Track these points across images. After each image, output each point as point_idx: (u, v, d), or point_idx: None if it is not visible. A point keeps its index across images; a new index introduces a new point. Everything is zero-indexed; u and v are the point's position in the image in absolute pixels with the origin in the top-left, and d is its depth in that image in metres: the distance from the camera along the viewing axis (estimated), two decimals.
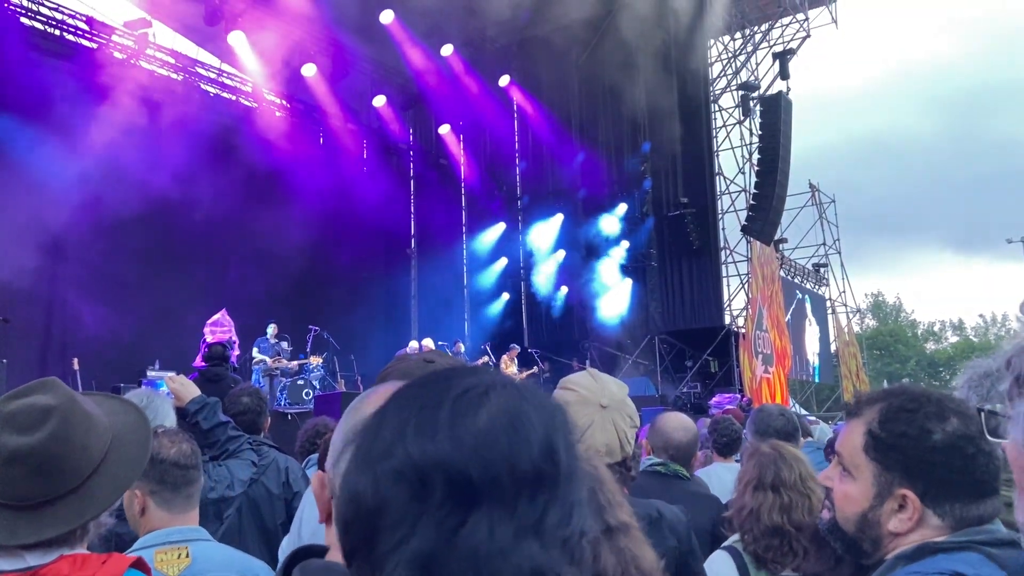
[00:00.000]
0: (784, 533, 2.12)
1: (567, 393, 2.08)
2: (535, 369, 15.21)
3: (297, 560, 1.04)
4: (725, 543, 2.29)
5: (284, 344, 12.05)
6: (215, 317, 11.60)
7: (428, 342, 13.97)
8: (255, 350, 11.66)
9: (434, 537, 0.65)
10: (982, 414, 1.01)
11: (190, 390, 2.79)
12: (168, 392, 2.85)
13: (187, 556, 1.90)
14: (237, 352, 11.65)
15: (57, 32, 12.79)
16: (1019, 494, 0.90)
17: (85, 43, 13.02)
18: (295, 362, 12.00)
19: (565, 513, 0.69)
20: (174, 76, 14.24)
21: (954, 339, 50.18)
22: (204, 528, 2.08)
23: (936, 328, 51.38)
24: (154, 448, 1.95)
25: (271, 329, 11.83)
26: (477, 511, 0.66)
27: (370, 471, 0.68)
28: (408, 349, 13.27)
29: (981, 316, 52.11)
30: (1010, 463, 0.92)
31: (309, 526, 1.90)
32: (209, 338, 11.00)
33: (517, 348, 15.22)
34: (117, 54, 13.19)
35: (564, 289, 18.67)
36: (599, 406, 1.98)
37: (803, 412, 14.10)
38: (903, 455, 1.25)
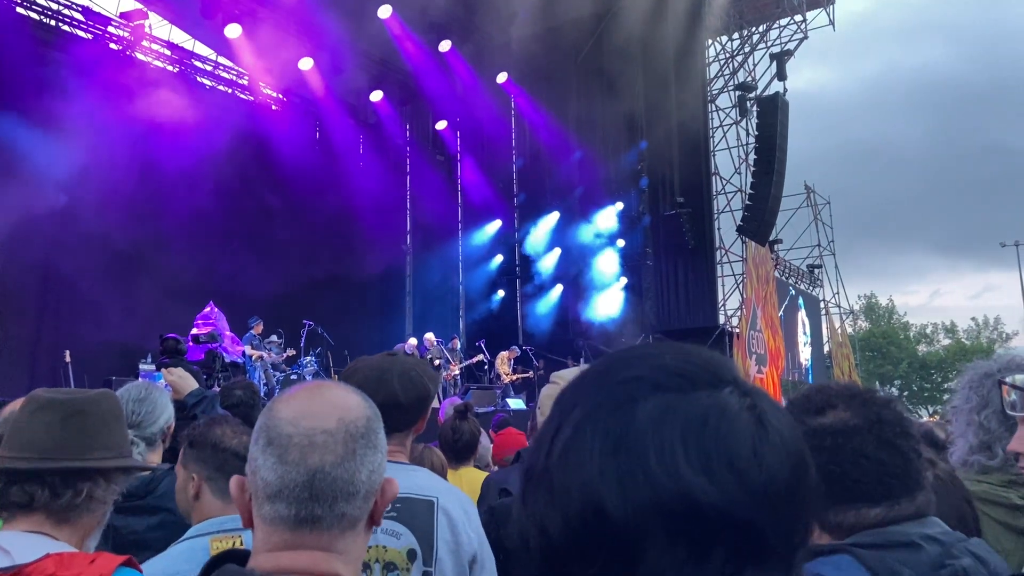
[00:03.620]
0: None
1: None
2: (529, 373, 15.20)
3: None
4: None
5: (274, 337, 12.03)
6: (204, 310, 11.58)
7: (430, 336, 13.97)
8: (248, 347, 11.63)
9: None
10: (1002, 387, 1.00)
11: (188, 383, 2.78)
12: (166, 384, 2.83)
13: (241, 544, 1.88)
14: (240, 347, 11.64)
15: (53, 23, 12.71)
16: None
17: (81, 34, 12.94)
18: (283, 355, 11.97)
19: (804, 563, 0.62)
20: (170, 68, 14.17)
21: (946, 342, 50.37)
22: None
23: (928, 330, 51.60)
24: (216, 436, 1.99)
25: (256, 328, 11.77)
26: (753, 567, 0.57)
27: (619, 489, 0.58)
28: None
29: (973, 319, 52.35)
30: None
31: None
32: (194, 331, 10.98)
33: (517, 351, 15.23)
34: (113, 45, 13.12)
35: (559, 287, 18.67)
36: None
37: None
38: None
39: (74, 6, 12.89)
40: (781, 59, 18.20)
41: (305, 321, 12.84)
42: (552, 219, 18.83)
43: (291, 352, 12.18)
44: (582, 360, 16.09)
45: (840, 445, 1.18)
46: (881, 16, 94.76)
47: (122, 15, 13.34)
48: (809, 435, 1.18)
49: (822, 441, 1.19)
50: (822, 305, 22.69)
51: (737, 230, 17.84)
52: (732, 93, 18.93)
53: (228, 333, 11.76)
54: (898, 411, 1.22)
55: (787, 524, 0.59)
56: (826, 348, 22.69)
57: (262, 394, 11.15)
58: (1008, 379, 1.09)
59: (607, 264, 18.25)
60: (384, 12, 15.92)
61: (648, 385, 0.62)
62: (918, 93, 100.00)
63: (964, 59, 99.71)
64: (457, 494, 1.98)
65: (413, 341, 13.67)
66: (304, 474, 0.99)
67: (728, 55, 19.27)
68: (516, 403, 12.80)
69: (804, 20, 18.69)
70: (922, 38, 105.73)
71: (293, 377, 11.63)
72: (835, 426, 1.19)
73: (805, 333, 21.40)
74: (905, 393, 46.79)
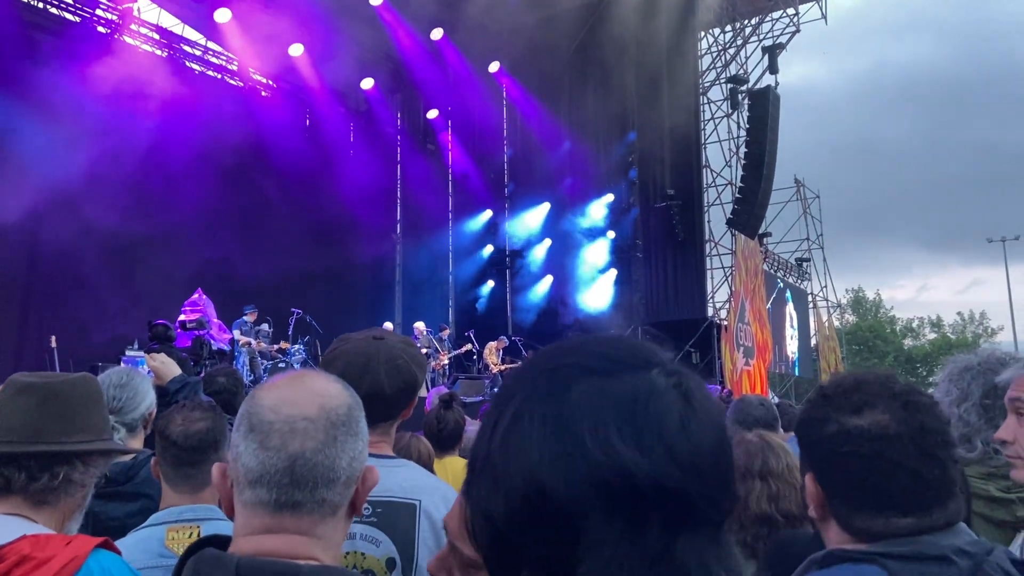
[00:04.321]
0: (773, 522, 2.07)
1: None
2: (519, 363, 15.21)
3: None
4: None
5: (264, 326, 11.97)
6: (192, 297, 11.51)
7: (420, 325, 13.94)
8: (236, 332, 11.58)
9: (641, 562, 0.60)
10: None
11: (171, 369, 2.75)
12: (148, 370, 2.81)
13: (198, 536, 1.88)
14: (227, 335, 11.59)
15: (40, 4, 12.55)
16: None
17: (68, 16, 12.79)
18: (274, 346, 11.93)
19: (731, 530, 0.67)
20: (158, 53, 14.02)
21: (932, 336, 50.78)
22: None
23: (915, 325, 52.00)
24: (165, 422, 1.99)
25: (250, 316, 11.73)
26: (685, 533, 0.61)
27: (558, 468, 0.61)
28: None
29: (959, 314, 52.70)
30: None
31: None
32: (182, 317, 10.91)
33: (506, 341, 15.24)
34: (100, 28, 12.97)
35: (549, 278, 18.68)
36: None
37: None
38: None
39: None
40: (773, 52, 18.20)
41: (293, 309, 12.79)
42: (542, 210, 18.82)
43: (284, 344, 12.13)
44: None
45: (877, 452, 1.12)
46: (871, 12, 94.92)
47: None
48: (843, 436, 1.14)
49: (858, 447, 1.13)
50: (810, 298, 22.81)
51: (727, 223, 17.88)
52: (724, 86, 18.93)
53: (215, 320, 11.69)
54: (941, 417, 1.16)
55: (715, 492, 0.62)
56: (813, 341, 22.82)
57: (248, 382, 11.15)
58: None
59: (596, 255, 18.27)
60: None
61: (581, 370, 0.65)
62: (907, 89, 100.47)
63: (952, 56, 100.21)
64: (443, 492, 1.91)
65: (389, 326, 13.64)
66: (285, 460, 1.00)
67: (720, 48, 19.26)
68: None
69: (797, 13, 18.70)
70: (911, 34, 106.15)
71: (281, 366, 11.59)
72: (873, 431, 1.13)
73: (792, 326, 21.51)
74: None
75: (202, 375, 4.60)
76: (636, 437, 0.61)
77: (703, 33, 19.05)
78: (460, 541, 1.11)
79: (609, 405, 0.62)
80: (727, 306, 17.79)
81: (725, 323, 17.09)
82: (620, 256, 18.32)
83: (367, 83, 17.38)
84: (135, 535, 1.85)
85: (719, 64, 19.18)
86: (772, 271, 20.34)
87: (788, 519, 2.08)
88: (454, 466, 3.46)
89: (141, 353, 9.51)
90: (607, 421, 0.61)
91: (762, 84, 18.19)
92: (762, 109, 17.29)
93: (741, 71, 18.81)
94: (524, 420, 0.64)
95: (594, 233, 18.27)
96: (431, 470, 2.83)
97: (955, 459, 1.17)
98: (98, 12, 12.98)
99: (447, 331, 15.11)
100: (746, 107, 17.94)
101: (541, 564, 0.62)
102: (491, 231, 19.40)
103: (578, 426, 0.62)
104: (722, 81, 18.98)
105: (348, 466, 1.04)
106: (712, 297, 18.55)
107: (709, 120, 18.98)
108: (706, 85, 19.08)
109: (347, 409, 1.07)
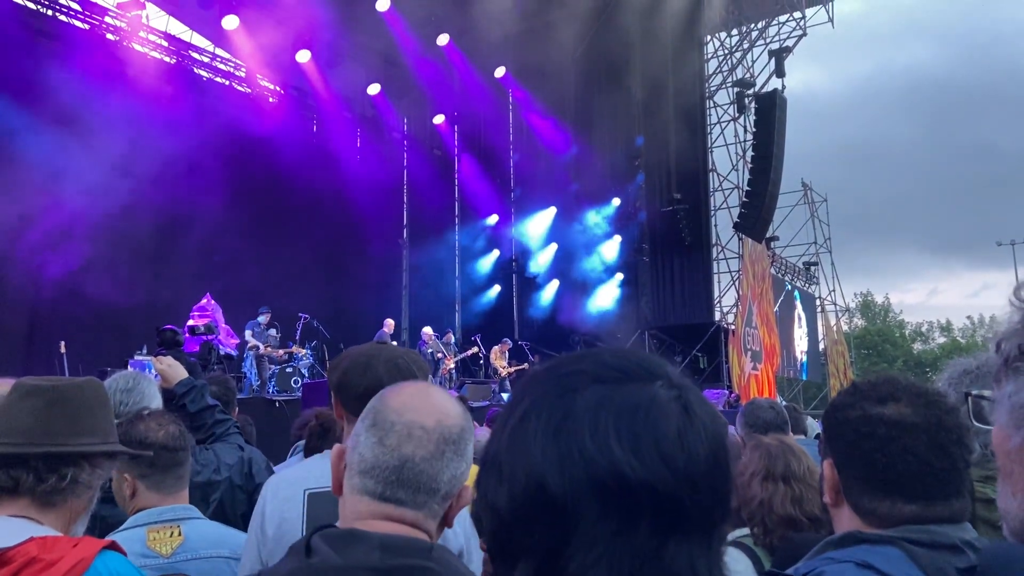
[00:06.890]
0: (798, 524, 2.07)
1: None
2: (525, 365, 15.19)
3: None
4: (729, 538, 2.20)
5: (272, 331, 12.00)
6: (200, 302, 11.55)
7: (428, 330, 13.94)
8: (248, 333, 11.61)
9: (631, 561, 0.63)
10: (969, 399, 1.01)
11: (178, 372, 2.77)
12: (155, 374, 2.83)
13: (180, 535, 1.91)
14: (235, 340, 11.63)
15: (49, 12, 12.65)
16: (1003, 480, 0.90)
17: (77, 24, 12.88)
18: (282, 350, 11.95)
19: (724, 539, 0.69)
20: (167, 60, 14.11)
21: (941, 340, 50.46)
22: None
23: (924, 329, 51.70)
24: (141, 432, 1.98)
25: (264, 317, 11.77)
26: (676, 538, 0.64)
27: (559, 467, 0.64)
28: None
29: (969, 318, 52.37)
30: (994, 448, 0.92)
31: (273, 522, 1.82)
32: (191, 322, 10.95)
33: (509, 343, 15.22)
34: (109, 36, 13.06)
35: (555, 282, 18.67)
36: None
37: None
38: (827, 421, 1.29)
39: None
40: (780, 56, 18.18)
41: (301, 314, 12.81)
42: (549, 214, 18.82)
43: (296, 348, 12.15)
44: None
45: (893, 437, 1.18)
46: (874, 16, 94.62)
47: (119, 5, 13.27)
48: (864, 420, 1.21)
49: (875, 429, 1.20)
50: (818, 302, 22.72)
51: (734, 227, 17.85)
52: (730, 90, 18.92)
53: (223, 326, 11.73)
54: (960, 419, 1.21)
55: (707, 501, 0.65)
56: (821, 345, 22.73)
57: (255, 386, 11.16)
58: (975, 391, 1.10)
59: (603, 259, 18.26)
60: (382, 5, 15.89)
61: (588, 378, 0.69)
62: (911, 93, 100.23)
63: (957, 60, 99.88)
64: None
65: (390, 322, 13.65)
66: (396, 459, 1.11)
67: (727, 51, 19.26)
68: None
69: (803, 17, 18.68)
70: (914, 39, 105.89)
71: (288, 370, 11.61)
72: (892, 418, 1.20)
73: (802, 328, 21.44)
74: None
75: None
76: (634, 443, 0.64)
77: (709, 37, 19.04)
78: None
79: (611, 412, 0.66)
80: (734, 310, 17.74)
81: (732, 327, 17.05)
82: (627, 260, 18.30)
83: (373, 89, 17.45)
84: (114, 536, 1.86)
85: (725, 68, 19.18)
86: (780, 275, 20.28)
87: (812, 521, 2.08)
88: None
89: (149, 357, 9.54)
90: (608, 426, 0.65)
91: (768, 88, 18.18)
92: (769, 112, 17.27)
93: (747, 75, 18.80)
94: (531, 420, 0.68)
95: (600, 237, 18.26)
96: None
97: (967, 461, 1.21)
98: (107, 20, 13.07)
99: (451, 335, 15.11)
100: (752, 111, 17.93)
101: (538, 556, 0.65)
102: (497, 236, 19.41)
103: (580, 429, 0.65)
104: (728, 85, 18.97)
105: (449, 482, 1.13)
106: (719, 301, 18.52)
107: (715, 124, 18.97)
108: (712, 89, 19.07)
109: (460, 431, 1.15)
